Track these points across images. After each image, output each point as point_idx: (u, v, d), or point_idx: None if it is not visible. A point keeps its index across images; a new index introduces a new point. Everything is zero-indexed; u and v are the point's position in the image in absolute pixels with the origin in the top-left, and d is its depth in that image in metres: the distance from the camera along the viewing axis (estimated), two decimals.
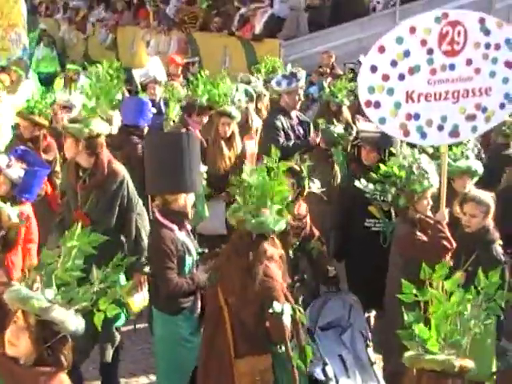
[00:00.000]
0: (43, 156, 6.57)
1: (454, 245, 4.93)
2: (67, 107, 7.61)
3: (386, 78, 4.62)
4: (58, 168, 6.88)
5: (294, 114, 7.29)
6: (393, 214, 5.57)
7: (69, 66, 12.38)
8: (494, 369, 4.95)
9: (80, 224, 3.10)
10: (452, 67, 4.76)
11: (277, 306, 4.02)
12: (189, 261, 4.63)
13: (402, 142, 5.85)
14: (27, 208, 5.29)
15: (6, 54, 11.94)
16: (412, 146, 5.49)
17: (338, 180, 6.95)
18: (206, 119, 7.00)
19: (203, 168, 5.69)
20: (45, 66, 15.55)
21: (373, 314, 6.00)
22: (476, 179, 5.73)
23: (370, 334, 5.25)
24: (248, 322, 4.12)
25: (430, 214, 5.17)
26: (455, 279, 2.97)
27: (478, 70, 4.81)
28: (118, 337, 5.32)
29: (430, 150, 5.91)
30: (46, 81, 12.98)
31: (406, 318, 2.96)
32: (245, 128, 7.42)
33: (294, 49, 13.46)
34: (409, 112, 4.72)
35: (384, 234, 5.64)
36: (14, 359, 2.95)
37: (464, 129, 4.90)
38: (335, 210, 6.18)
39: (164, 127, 7.31)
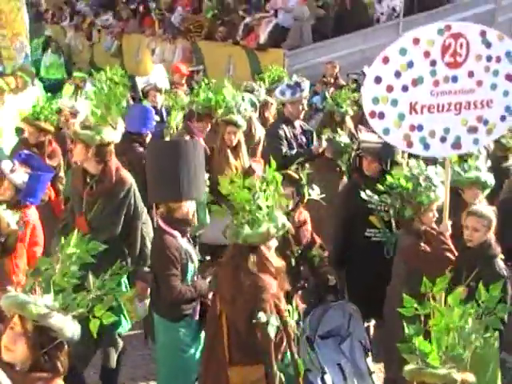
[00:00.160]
0: (48, 162, 6.60)
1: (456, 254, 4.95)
2: (72, 113, 7.68)
3: (390, 88, 4.66)
4: (61, 174, 6.93)
5: (297, 123, 7.32)
6: (393, 224, 5.59)
7: (75, 74, 12.44)
8: (499, 383, 4.94)
9: (77, 231, 3.11)
10: (455, 79, 4.80)
11: (262, 317, 4.02)
12: (191, 268, 4.66)
13: (403, 152, 5.89)
14: (32, 212, 5.30)
15: (11, 63, 12.04)
16: (416, 156, 5.53)
17: None
18: (208, 126, 7.03)
19: (205, 175, 5.72)
20: (52, 72, 15.59)
21: (372, 323, 6.02)
22: (487, 191, 5.69)
23: (369, 343, 5.26)
24: (240, 330, 4.13)
25: (434, 226, 5.17)
26: (457, 293, 2.95)
27: (479, 83, 4.85)
28: (120, 342, 5.34)
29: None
30: (53, 87, 13.01)
31: (406, 330, 2.95)
32: (248, 137, 7.45)
33: (297, 58, 13.53)
34: (412, 123, 4.75)
35: (385, 244, 5.67)
36: (10, 365, 2.95)
37: (466, 141, 4.93)
38: (335, 219, 6.19)
39: (165, 135, 7.32)
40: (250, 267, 4.10)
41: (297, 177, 5.25)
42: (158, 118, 7.63)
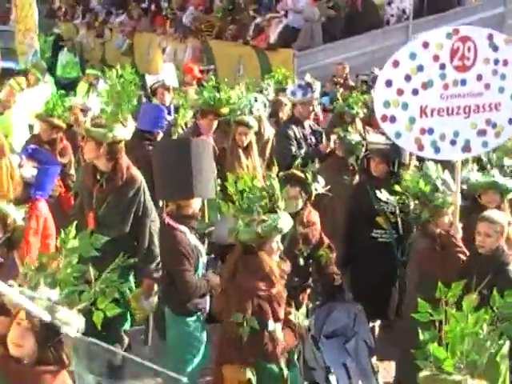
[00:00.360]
0: (59, 159, 6.60)
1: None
2: (83, 110, 7.72)
3: (400, 92, 4.69)
4: (72, 171, 6.93)
5: (306, 123, 7.36)
6: (400, 226, 5.62)
7: (88, 71, 12.46)
8: None
9: (86, 228, 3.13)
10: (463, 82, 4.83)
11: (237, 317, 4.07)
12: (201, 263, 4.72)
13: (410, 154, 5.91)
14: (43, 205, 5.32)
15: (23, 59, 12.14)
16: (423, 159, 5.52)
17: None
18: (213, 124, 7.00)
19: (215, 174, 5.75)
20: (68, 71, 15.59)
21: (377, 323, 6.05)
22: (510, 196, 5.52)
23: (373, 343, 5.29)
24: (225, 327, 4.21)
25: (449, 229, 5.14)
26: (471, 299, 2.90)
27: (487, 86, 4.88)
28: (126, 339, 5.38)
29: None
30: (68, 86, 12.93)
31: (420, 336, 2.91)
32: (257, 136, 7.47)
33: (307, 59, 13.55)
34: (423, 127, 4.78)
35: (390, 245, 5.69)
36: (16, 359, 2.97)
37: (475, 144, 4.96)
38: (342, 218, 6.21)
39: (172, 133, 7.34)
40: (240, 268, 4.17)
41: (302, 176, 5.28)
42: (170, 118, 7.64)
